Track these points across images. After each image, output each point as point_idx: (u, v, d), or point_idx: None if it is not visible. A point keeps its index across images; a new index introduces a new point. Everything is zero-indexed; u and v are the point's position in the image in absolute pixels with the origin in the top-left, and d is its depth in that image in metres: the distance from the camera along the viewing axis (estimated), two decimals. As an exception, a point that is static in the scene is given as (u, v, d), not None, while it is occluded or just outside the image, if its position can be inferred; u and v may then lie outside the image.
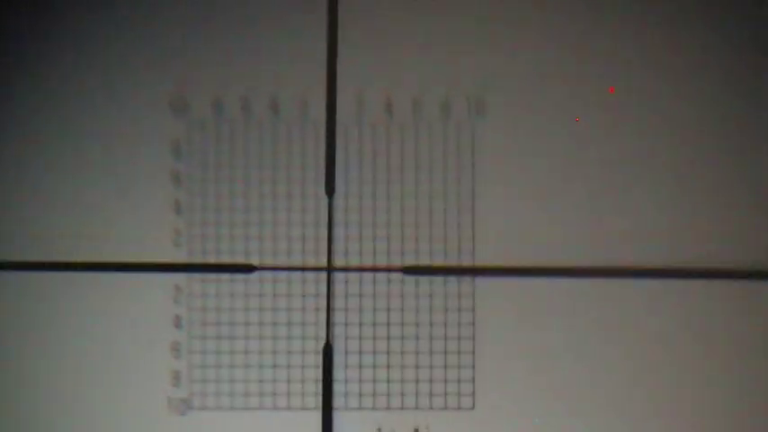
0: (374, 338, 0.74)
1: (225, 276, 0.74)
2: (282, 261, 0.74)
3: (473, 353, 0.74)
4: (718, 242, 0.74)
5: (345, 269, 0.74)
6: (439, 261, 0.74)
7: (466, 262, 0.74)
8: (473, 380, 0.74)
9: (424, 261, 0.74)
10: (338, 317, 0.74)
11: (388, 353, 0.74)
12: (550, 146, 0.75)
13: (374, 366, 0.74)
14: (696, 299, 0.74)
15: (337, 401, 0.74)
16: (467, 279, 0.74)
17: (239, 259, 0.74)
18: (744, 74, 0.75)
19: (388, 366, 0.74)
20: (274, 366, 0.74)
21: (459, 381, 0.74)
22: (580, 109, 0.74)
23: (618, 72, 0.75)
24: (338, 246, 0.74)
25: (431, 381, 0.74)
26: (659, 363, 0.74)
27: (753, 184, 0.74)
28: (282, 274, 0.74)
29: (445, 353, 0.74)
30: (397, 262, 0.74)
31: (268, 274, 0.74)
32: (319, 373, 0.74)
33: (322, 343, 0.74)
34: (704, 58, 0.75)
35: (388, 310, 0.74)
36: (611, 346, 0.74)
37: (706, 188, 0.75)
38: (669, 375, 0.74)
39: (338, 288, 0.74)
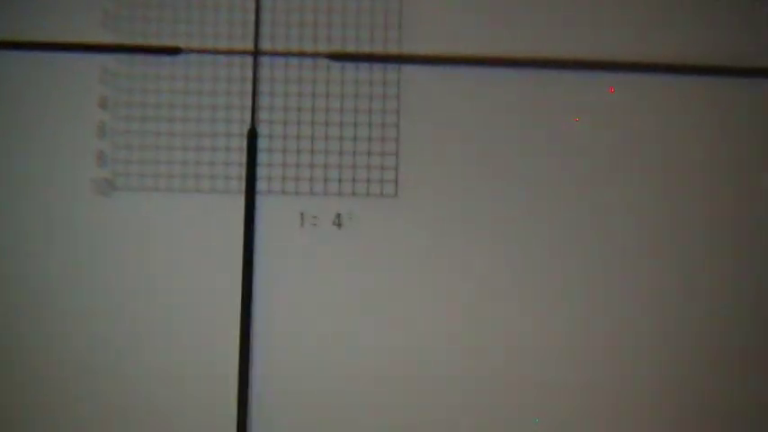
0: (299, 124, 0.74)
1: (151, 58, 0.74)
2: (209, 44, 0.74)
3: (397, 140, 0.74)
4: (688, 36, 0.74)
5: (272, 53, 0.74)
6: (365, 48, 0.74)
7: (392, 49, 0.74)
8: (396, 167, 0.74)
9: (351, 48, 0.74)
10: (263, 101, 0.74)
11: (312, 138, 0.74)
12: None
13: (298, 151, 0.74)
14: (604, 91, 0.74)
15: (261, 185, 0.74)
16: (393, 66, 0.74)
17: (166, 41, 0.74)
18: None
19: (312, 152, 0.74)
20: (198, 149, 0.74)
21: (382, 168, 0.74)
22: None
23: None
24: (265, 30, 0.74)
25: (354, 167, 0.74)
26: (581, 150, 0.74)
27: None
28: (208, 57, 0.74)
29: (369, 139, 0.74)
30: (323, 48, 0.74)
31: (194, 57, 0.74)
32: (243, 157, 0.73)
33: (247, 127, 0.74)
34: None
35: (314, 95, 0.74)
36: (538, 132, 0.74)
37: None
38: (593, 165, 0.74)
39: (264, 73, 0.74)
